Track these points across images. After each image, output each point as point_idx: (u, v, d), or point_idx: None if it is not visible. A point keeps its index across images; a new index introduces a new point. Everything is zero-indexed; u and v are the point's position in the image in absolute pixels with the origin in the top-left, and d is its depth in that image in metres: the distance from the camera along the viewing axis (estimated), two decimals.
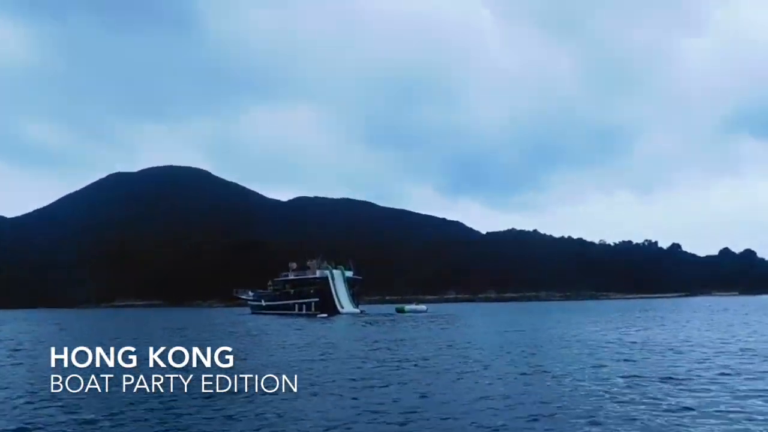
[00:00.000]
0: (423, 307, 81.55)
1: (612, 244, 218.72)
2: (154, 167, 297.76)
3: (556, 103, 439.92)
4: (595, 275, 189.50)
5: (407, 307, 79.41)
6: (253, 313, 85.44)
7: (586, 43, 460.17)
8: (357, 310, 75.49)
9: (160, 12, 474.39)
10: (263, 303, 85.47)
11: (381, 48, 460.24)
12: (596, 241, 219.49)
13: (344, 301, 76.35)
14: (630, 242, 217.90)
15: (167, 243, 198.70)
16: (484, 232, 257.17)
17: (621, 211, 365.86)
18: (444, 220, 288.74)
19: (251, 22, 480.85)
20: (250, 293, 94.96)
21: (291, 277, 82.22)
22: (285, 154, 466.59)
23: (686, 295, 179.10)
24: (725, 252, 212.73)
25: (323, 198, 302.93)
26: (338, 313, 72.14)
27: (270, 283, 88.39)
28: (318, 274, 77.25)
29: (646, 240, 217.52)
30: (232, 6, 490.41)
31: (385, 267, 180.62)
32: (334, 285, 76.05)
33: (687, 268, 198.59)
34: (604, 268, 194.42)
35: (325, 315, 68.18)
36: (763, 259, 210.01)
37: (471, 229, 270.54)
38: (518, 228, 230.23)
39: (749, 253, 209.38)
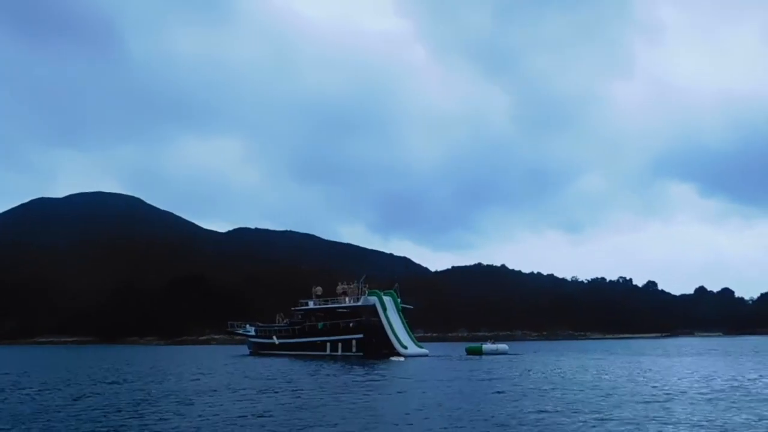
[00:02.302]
0: (504, 345, 63.95)
1: (585, 281, 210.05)
2: (81, 193, 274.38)
3: (489, 142, 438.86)
4: (571, 314, 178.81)
5: (485, 346, 61.17)
6: (253, 353, 66.93)
7: (520, 83, 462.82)
8: (425, 351, 57.40)
9: (78, 29, 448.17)
10: (275, 340, 64.86)
11: (313, 80, 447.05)
12: (568, 277, 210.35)
13: (404, 339, 57.64)
14: (603, 279, 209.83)
15: (97, 273, 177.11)
16: (432, 270, 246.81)
17: (553, 251, 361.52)
18: (392, 255, 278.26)
19: (177, 43, 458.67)
20: (248, 327, 73.35)
21: (319, 305, 63.27)
22: (215, 186, 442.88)
23: (668, 336, 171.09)
24: (701, 291, 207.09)
25: (265, 230, 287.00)
26: (396, 355, 54.31)
27: (279, 315, 70.37)
28: (361, 301, 59.32)
29: (621, 277, 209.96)
30: (156, 23, 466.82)
31: None
32: (387, 317, 57.80)
33: (665, 307, 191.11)
34: (580, 306, 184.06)
35: (398, 357, 51.61)
36: (741, 299, 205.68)
37: (420, 266, 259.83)
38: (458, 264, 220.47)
39: (728, 292, 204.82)
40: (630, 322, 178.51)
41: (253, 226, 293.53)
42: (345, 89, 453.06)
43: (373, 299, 58.76)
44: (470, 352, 59.95)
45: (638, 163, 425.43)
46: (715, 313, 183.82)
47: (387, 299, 59.43)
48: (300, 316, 65.68)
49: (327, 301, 63.09)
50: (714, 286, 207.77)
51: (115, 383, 30.24)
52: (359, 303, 59.31)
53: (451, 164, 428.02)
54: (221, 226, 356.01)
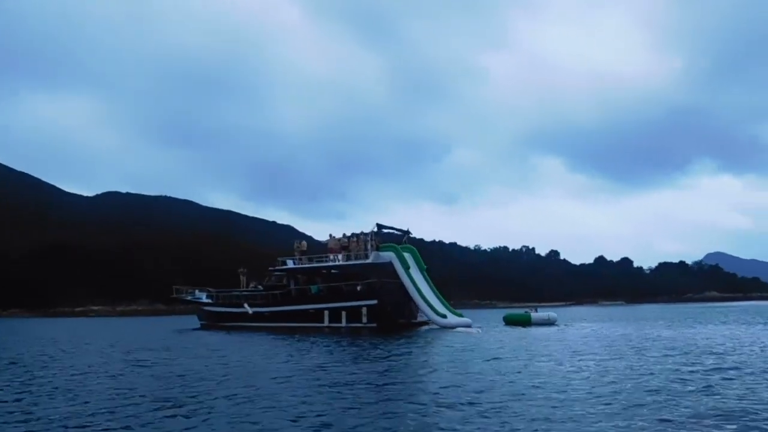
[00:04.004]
0: (553, 314, 50.03)
1: (488, 249, 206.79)
2: None
3: (363, 110, 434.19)
4: (475, 283, 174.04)
5: (535, 314, 48.10)
6: (207, 326, 52.47)
7: (395, 50, 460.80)
8: (467, 320, 43.73)
9: None
10: (247, 309, 50.60)
11: (177, 38, 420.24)
12: (471, 246, 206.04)
13: (437, 305, 45.03)
14: (506, 248, 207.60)
15: None
16: (318, 239, 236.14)
17: (430, 222, 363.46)
18: (275, 223, 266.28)
19: None
20: (197, 293, 57.01)
21: (312, 264, 49.75)
22: (71, 147, 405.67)
23: (574, 304, 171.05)
24: (601, 260, 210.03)
25: (138, 195, 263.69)
26: (426, 325, 44.25)
27: (243, 275, 56.33)
28: (371, 258, 46.46)
29: (524, 246, 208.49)
30: None
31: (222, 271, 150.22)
32: (411, 278, 45.39)
33: (568, 276, 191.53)
34: (483, 275, 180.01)
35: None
36: (640, 268, 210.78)
37: (305, 234, 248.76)
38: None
39: (627, 262, 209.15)
40: (536, 290, 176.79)
41: (120, 190, 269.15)
42: (211, 47, 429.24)
43: (389, 255, 46.27)
44: (512, 321, 48.01)
45: (510, 137, 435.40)
46: (616, 283, 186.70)
47: (407, 255, 47.08)
48: (276, 279, 52.10)
49: (324, 258, 49.89)
50: (587, 258, 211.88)
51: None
52: (369, 260, 46.80)
53: (324, 131, 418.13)
54: (85, 190, 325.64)
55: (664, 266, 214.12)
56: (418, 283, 45.75)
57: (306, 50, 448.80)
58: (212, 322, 53.16)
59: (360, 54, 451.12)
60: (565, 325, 47.06)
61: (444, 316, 44.14)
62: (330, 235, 51.36)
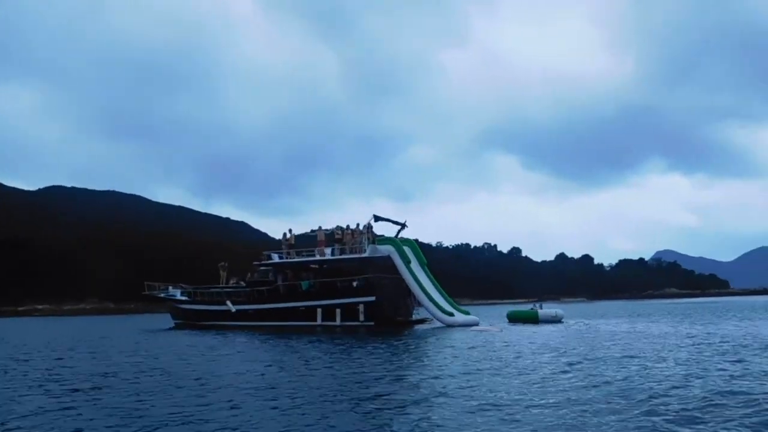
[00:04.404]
0: (560, 310, 45.41)
1: (450, 246, 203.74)
2: None
3: (319, 105, 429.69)
4: (439, 280, 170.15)
5: (542, 311, 43.22)
6: (182, 325, 47.98)
7: (353, 45, 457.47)
8: (474, 318, 40.25)
9: None
10: (229, 307, 45.96)
11: (126, 26, 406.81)
12: (432, 243, 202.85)
13: (442, 303, 40.97)
14: (468, 245, 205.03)
15: None
16: (275, 237, 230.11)
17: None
18: (229, 219, 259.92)
19: None
20: (171, 289, 51.92)
21: (303, 258, 45.17)
22: (9, 138, 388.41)
23: (537, 301, 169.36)
24: (563, 257, 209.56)
25: (85, 189, 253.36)
26: (424, 323, 41.25)
27: (223, 270, 50.92)
28: (368, 252, 42.10)
29: (486, 243, 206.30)
30: None
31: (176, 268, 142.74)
32: (413, 273, 41.18)
33: (531, 274, 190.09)
34: (448, 272, 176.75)
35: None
36: (601, 265, 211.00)
37: (260, 231, 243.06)
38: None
39: (587, 259, 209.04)
40: (498, 288, 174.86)
41: (65, 185, 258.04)
42: (163, 37, 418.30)
43: (387, 249, 41.87)
44: (517, 318, 43.66)
45: (467, 134, 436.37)
46: (577, 280, 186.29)
47: (407, 249, 42.66)
48: (261, 275, 47.06)
49: (315, 252, 45.19)
50: (548, 255, 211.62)
51: None
52: (365, 254, 42.62)
53: (279, 126, 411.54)
54: (26, 184, 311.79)
55: (624, 263, 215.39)
56: (420, 278, 41.89)
57: (262, 43, 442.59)
58: (189, 321, 48.43)
59: (317, 48, 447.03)
60: (574, 322, 43.74)
61: (451, 314, 40.40)
62: (319, 227, 46.91)
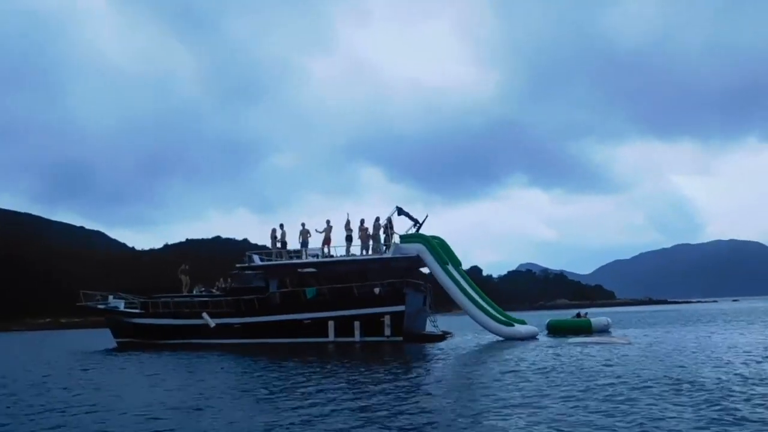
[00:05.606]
0: (609, 319, 39.36)
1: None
2: None
3: (175, 108, 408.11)
4: None
5: (595, 320, 36.28)
6: (126, 344, 37.34)
7: (213, 46, 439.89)
8: (533, 329, 33.43)
9: None
10: (208, 321, 35.65)
11: None
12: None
13: (492, 311, 33.34)
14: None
15: None
16: (131, 246, 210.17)
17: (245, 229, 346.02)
18: (83, 228, 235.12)
19: None
20: (112, 299, 40.84)
21: (305, 259, 36.22)
22: None
23: (435, 313, 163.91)
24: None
25: None
26: (445, 338, 34.43)
27: (184, 276, 40.56)
28: (391, 251, 34.23)
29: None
30: None
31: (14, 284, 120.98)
32: (452, 276, 33.51)
33: None
34: None
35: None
36: (490, 276, 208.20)
37: (118, 241, 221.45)
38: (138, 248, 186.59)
39: (476, 270, 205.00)
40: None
41: None
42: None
43: (415, 248, 33.94)
44: (561, 329, 35.79)
45: (331, 144, 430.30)
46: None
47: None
48: (243, 281, 37.41)
49: (320, 255, 36.57)
50: None
51: None
52: (387, 254, 34.61)
53: (129, 129, 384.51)
54: None
55: (513, 274, 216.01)
56: (461, 283, 34.16)
57: (113, 40, 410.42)
58: (143, 338, 37.93)
59: (175, 48, 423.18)
60: (623, 333, 36.11)
61: (510, 325, 31.94)
62: (327, 222, 36.90)
